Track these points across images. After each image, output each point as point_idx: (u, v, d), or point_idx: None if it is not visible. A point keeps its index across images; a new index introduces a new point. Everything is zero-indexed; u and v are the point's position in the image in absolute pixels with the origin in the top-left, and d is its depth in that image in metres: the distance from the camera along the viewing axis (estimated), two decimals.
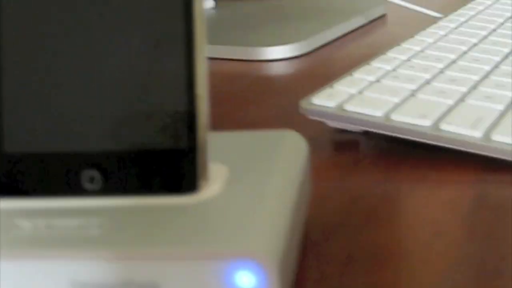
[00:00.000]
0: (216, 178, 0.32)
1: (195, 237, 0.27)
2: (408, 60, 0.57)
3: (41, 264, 0.27)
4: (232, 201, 0.30)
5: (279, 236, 0.28)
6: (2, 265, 0.27)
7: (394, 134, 0.46)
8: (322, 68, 0.68)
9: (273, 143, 0.36)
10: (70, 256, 0.27)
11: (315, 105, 0.48)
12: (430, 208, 0.38)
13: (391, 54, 0.58)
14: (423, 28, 0.66)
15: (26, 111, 0.32)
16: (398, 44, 0.61)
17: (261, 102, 0.58)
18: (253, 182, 0.32)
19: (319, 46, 0.76)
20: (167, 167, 0.31)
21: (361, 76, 0.52)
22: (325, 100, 0.48)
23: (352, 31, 0.82)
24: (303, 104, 0.48)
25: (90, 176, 0.32)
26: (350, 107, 0.47)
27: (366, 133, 0.49)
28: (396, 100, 0.48)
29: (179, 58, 0.31)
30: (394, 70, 0.54)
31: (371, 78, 0.52)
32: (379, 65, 0.55)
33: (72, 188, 0.32)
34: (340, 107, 0.47)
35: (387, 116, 0.46)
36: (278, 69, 0.68)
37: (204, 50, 0.32)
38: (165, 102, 0.31)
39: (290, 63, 0.70)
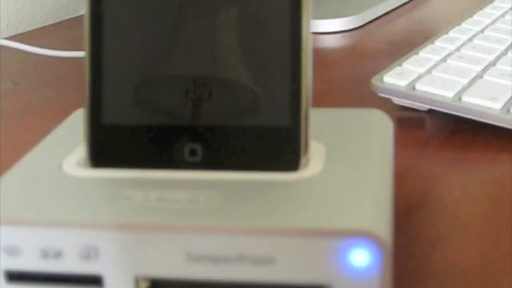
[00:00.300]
0: (315, 156, 0.32)
1: (309, 213, 0.28)
2: (470, 40, 0.57)
3: (158, 235, 0.28)
4: (336, 178, 0.31)
5: (387, 214, 0.28)
6: (117, 234, 0.28)
7: (464, 115, 0.46)
8: (374, 43, 0.68)
9: (363, 122, 0.36)
10: (187, 228, 0.28)
11: (386, 83, 0.48)
12: (505, 189, 0.39)
13: (453, 34, 0.58)
14: (479, 8, 0.66)
15: (131, 83, 0.32)
16: (459, 24, 0.61)
17: (314, 76, 0.59)
18: (352, 160, 0.32)
19: (369, 21, 0.76)
20: (270, 143, 0.32)
21: (427, 55, 0.53)
22: (395, 78, 0.48)
23: (399, 6, 0.82)
24: (374, 81, 0.49)
25: (192, 149, 0.32)
26: (421, 87, 0.47)
27: (430, 112, 0.50)
28: (464, 81, 0.48)
29: (284, 32, 0.32)
30: (458, 50, 0.55)
31: (437, 57, 0.53)
32: (443, 44, 0.55)
33: (174, 161, 0.32)
34: (411, 86, 0.48)
35: (457, 97, 0.46)
36: (328, 43, 0.69)
37: (309, 27, 0.32)
38: (269, 79, 0.32)
39: (340, 37, 0.71)
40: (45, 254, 0.29)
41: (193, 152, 0.32)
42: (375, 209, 0.28)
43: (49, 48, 0.68)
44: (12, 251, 0.29)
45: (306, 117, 0.31)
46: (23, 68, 0.67)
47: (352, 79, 0.57)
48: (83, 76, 0.59)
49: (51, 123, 0.52)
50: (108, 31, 0.32)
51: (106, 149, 0.32)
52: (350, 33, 0.72)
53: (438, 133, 0.47)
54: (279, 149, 0.31)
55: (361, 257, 0.27)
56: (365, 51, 0.65)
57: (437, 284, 0.31)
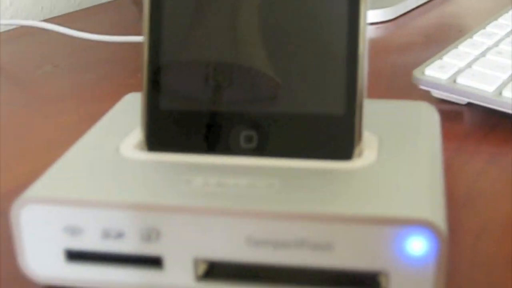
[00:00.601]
0: (368, 146, 0.33)
1: (367, 201, 0.29)
2: (508, 36, 0.57)
3: (218, 219, 0.28)
4: (390, 168, 0.31)
5: (441, 204, 0.29)
6: (179, 217, 0.29)
7: (503, 110, 0.47)
8: (408, 35, 0.69)
9: (412, 114, 0.37)
10: (247, 213, 0.28)
11: (427, 76, 0.49)
12: None
13: (490, 28, 0.59)
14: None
15: (189, 70, 0.33)
16: (495, 19, 0.61)
17: None
18: (404, 151, 0.33)
19: (402, 14, 0.77)
20: (324, 132, 0.32)
21: (467, 49, 0.53)
22: (436, 71, 0.49)
23: (431, 0, 0.82)
24: (416, 73, 0.49)
25: (247, 136, 0.33)
26: (462, 80, 0.48)
27: (468, 106, 0.50)
28: (504, 76, 0.49)
29: (341, 21, 0.32)
30: (496, 45, 0.55)
31: (476, 52, 0.53)
32: (481, 39, 0.56)
33: (230, 147, 0.33)
34: (452, 79, 0.48)
35: (498, 91, 0.47)
36: None
37: (366, 16, 0.32)
38: (325, 68, 0.32)
39: (374, 29, 0.71)
40: (106, 235, 0.29)
41: (248, 139, 0.33)
42: (431, 199, 0.29)
43: (86, 31, 0.68)
44: (74, 231, 0.30)
45: (361, 107, 0.32)
46: (62, 51, 0.68)
47: (390, 70, 0.58)
48: (128, 61, 0.60)
49: (94, 106, 0.53)
50: (167, 17, 0.33)
51: (163, 133, 0.33)
52: (384, 25, 0.72)
53: (477, 127, 0.47)
54: (333, 137, 0.32)
55: (418, 245, 0.27)
56: (400, 44, 0.66)
57: (482, 274, 0.32)
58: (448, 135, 0.46)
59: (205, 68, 0.33)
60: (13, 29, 0.77)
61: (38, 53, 0.68)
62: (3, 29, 0.78)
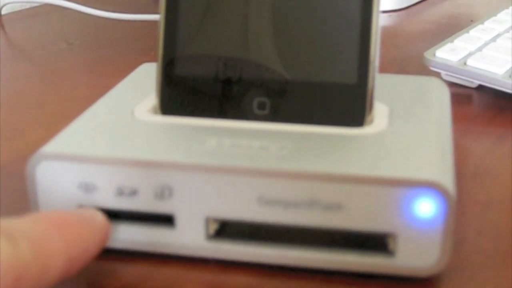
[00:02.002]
0: (379, 115, 0.34)
1: (377, 164, 0.29)
2: None
3: (231, 178, 0.29)
4: (401, 134, 0.32)
5: (450, 169, 0.29)
6: (192, 176, 0.29)
7: None
8: (420, 23, 0.69)
9: (422, 87, 0.38)
10: (260, 172, 0.29)
11: (438, 57, 0.49)
12: None
13: (501, 16, 0.59)
14: None
15: (204, 37, 0.34)
16: (507, 7, 0.62)
17: None
18: (414, 120, 0.33)
19: (414, 3, 0.77)
20: (337, 99, 0.33)
21: (478, 34, 0.54)
22: (447, 54, 0.49)
23: None
24: (427, 55, 0.50)
25: (260, 102, 0.33)
26: (472, 63, 0.48)
27: (478, 89, 0.51)
28: None
29: None
30: (507, 31, 0.55)
31: (487, 37, 0.53)
32: (492, 25, 0.56)
33: (243, 113, 0.33)
34: (462, 62, 0.49)
35: (508, 74, 0.47)
36: None
37: None
38: (339, 38, 0.33)
39: (387, 16, 0.72)
40: (120, 192, 0.30)
41: (261, 105, 0.33)
42: (441, 163, 0.29)
43: (102, 9, 0.69)
44: (88, 188, 0.30)
45: (373, 76, 0.32)
46: (76, 29, 0.69)
47: (401, 56, 0.58)
48: (143, 39, 0.61)
49: (108, 81, 0.54)
50: None
51: (177, 98, 0.34)
52: (396, 13, 0.73)
53: (487, 109, 0.48)
54: (345, 105, 0.32)
55: (427, 207, 0.28)
56: (412, 31, 0.66)
57: (489, 242, 0.32)
58: (457, 117, 0.46)
59: (219, 36, 0.33)
60: (29, 8, 0.77)
61: (53, 30, 0.69)
62: (20, 7, 0.79)
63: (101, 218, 0.29)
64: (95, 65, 0.58)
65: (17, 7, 0.78)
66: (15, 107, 0.50)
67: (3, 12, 0.75)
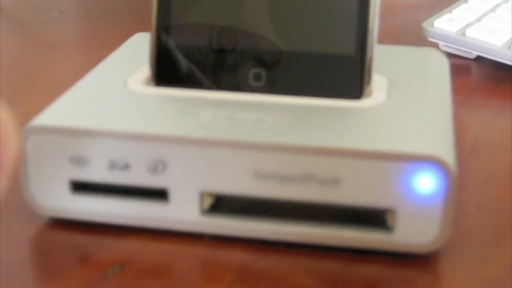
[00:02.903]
0: (377, 87, 0.33)
1: (375, 138, 0.28)
2: None
3: (226, 151, 0.28)
4: (400, 107, 0.31)
5: (451, 143, 0.29)
6: (186, 149, 0.29)
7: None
8: None
9: (421, 58, 0.37)
10: (256, 145, 0.28)
11: (436, 28, 0.48)
12: None
13: None
14: None
15: (199, 7, 0.33)
16: None
17: None
18: (414, 92, 0.33)
19: None
20: (335, 71, 0.32)
21: (477, 4, 0.53)
22: (446, 24, 0.48)
23: None
24: (425, 25, 0.49)
25: (256, 73, 0.33)
26: (471, 33, 0.48)
27: (476, 60, 0.50)
28: None
29: None
30: (505, 1, 0.55)
31: (486, 7, 0.53)
32: None
33: (238, 84, 0.33)
34: (461, 32, 0.48)
35: (508, 45, 0.47)
36: None
37: None
38: (337, 8, 0.32)
39: None
40: (112, 166, 0.29)
41: (257, 77, 0.32)
42: (441, 138, 0.29)
43: None
44: (80, 161, 0.29)
45: (372, 48, 0.32)
46: None
47: (398, 27, 0.58)
48: (135, 9, 0.60)
49: (100, 51, 0.53)
50: None
51: (171, 69, 0.33)
52: None
53: (485, 81, 0.47)
54: (343, 77, 0.32)
55: (427, 182, 0.27)
56: (409, 2, 0.65)
57: (488, 217, 0.32)
58: (456, 89, 0.45)
59: (214, 5, 0.32)
60: None
61: None
62: None
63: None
64: (87, 34, 0.57)
65: None
66: (6, 77, 0.49)
67: None
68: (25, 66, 0.51)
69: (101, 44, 0.55)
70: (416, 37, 0.54)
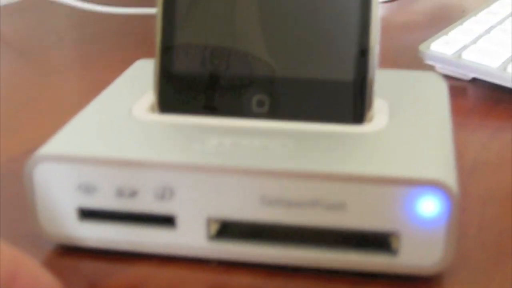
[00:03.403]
0: (379, 111, 0.33)
1: (379, 162, 0.29)
2: (511, 14, 0.58)
3: (233, 178, 0.29)
4: (401, 132, 0.32)
5: (453, 166, 0.29)
6: (193, 176, 0.29)
7: (508, 85, 0.47)
8: (411, 15, 0.70)
9: (421, 82, 0.38)
10: (262, 172, 0.29)
11: (433, 50, 0.49)
12: None
13: (495, 7, 0.59)
14: None
15: (201, 35, 0.34)
16: None
17: None
18: (414, 116, 0.33)
19: None
20: (336, 96, 0.33)
21: (472, 26, 0.54)
22: (442, 46, 0.49)
23: None
24: (422, 48, 0.49)
25: (259, 100, 0.33)
26: (467, 56, 0.48)
27: (473, 82, 0.51)
28: (508, 53, 0.49)
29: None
30: (500, 23, 0.55)
31: (481, 29, 0.54)
32: (486, 17, 0.56)
33: (242, 110, 0.33)
34: (457, 54, 0.49)
35: (503, 67, 0.47)
36: None
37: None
38: (338, 34, 0.32)
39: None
40: (120, 193, 0.30)
41: (260, 103, 0.33)
42: (443, 161, 0.29)
43: (90, 2, 0.69)
44: (87, 189, 0.30)
45: (373, 73, 0.32)
46: (65, 23, 0.68)
47: (394, 48, 0.58)
48: (134, 33, 0.61)
49: (100, 75, 0.53)
50: None
51: (175, 96, 0.33)
52: (386, 5, 0.72)
53: (482, 103, 0.48)
54: (345, 102, 0.32)
55: (430, 206, 0.28)
56: (404, 23, 0.66)
57: (490, 237, 0.32)
58: (453, 110, 0.46)
59: (217, 34, 0.33)
60: (17, 1, 0.77)
61: (42, 25, 0.69)
62: (7, 1, 0.78)
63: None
64: (86, 59, 0.58)
65: (5, 1, 0.78)
66: (8, 104, 0.49)
67: None
68: (26, 91, 0.51)
69: (100, 68, 0.56)
70: (412, 58, 0.55)
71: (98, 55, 0.59)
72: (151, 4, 0.66)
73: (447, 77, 0.51)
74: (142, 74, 0.38)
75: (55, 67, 0.56)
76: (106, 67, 0.56)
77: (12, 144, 0.42)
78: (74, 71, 0.55)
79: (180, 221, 0.30)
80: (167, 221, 0.30)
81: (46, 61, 0.58)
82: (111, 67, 0.56)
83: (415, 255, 0.28)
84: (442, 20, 0.67)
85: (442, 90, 0.37)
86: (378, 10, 0.32)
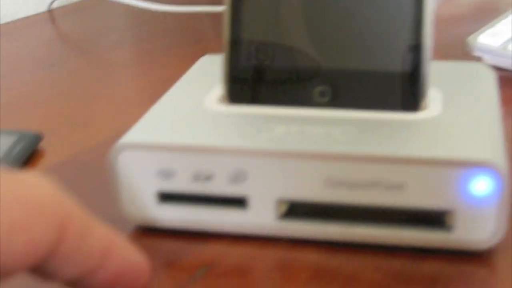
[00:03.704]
0: (432, 100, 0.36)
1: (436, 146, 0.31)
2: None
3: (300, 162, 0.31)
4: (455, 118, 0.34)
5: (503, 149, 0.32)
6: (265, 160, 0.32)
7: None
8: (457, 7, 0.71)
9: (471, 73, 0.40)
10: (328, 156, 0.31)
11: (480, 42, 0.51)
12: None
13: None
14: None
15: (269, 28, 0.37)
16: None
17: None
18: (466, 104, 0.36)
19: None
20: (393, 86, 0.35)
21: None
22: (489, 38, 0.51)
23: None
24: (470, 40, 0.52)
25: (321, 91, 0.36)
26: None
27: None
28: None
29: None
30: None
31: None
32: None
33: (305, 101, 0.36)
34: (504, 46, 0.51)
35: None
36: None
37: None
38: (394, 30, 0.35)
39: None
40: (196, 177, 0.32)
41: (322, 94, 0.35)
42: (494, 144, 0.31)
43: (150, 1, 0.71)
44: (166, 174, 0.33)
45: (427, 63, 0.35)
46: (123, 22, 0.71)
47: (441, 41, 0.60)
48: (192, 31, 0.63)
49: (162, 72, 0.56)
50: None
51: (243, 88, 0.36)
52: None
53: None
54: (401, 92, 0.35)
55: (483, 185, 0.30)
56: (451, 15, 0.68)
57: None
58: (501, 99, 0.48)
59: (282, 27, 0.36)
60: (77, 2, 0.80)
61: (103, 24, 0.72)
62: (67, 1, 0.81)
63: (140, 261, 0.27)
64: (147, 57, 0.61)
65: (65, 1, 0.81)
66: (75, 101, 0.53)
67: (53, 6, 0.77)
68: (91, 89, 0.55)
69: (161, 65, 0.59)
70: (460, 50, 0.57)
71: (160, 52, 0.62)
72: (202, 2, 0.68)
73: (495, 68, 0.53)
74: (209, 69, 0.41)
75: (117, 64, 0.59)
76: (166, 64, 0.58)
77: (85, 136, 0.45)
78: (136, 69, 0.58)
79: (252, 202, 0.32)
80: (239, 202, 0.33)
81: (108, 59, 0.61)
82: (169, 63, 0.58)
83: (468, 231, 0.31)
84: (488, 12, 0.68)
85: (490, 80, 0.39)
86: (432, 4, 0.34)
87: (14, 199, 0.22)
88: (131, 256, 0.26)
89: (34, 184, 0.23)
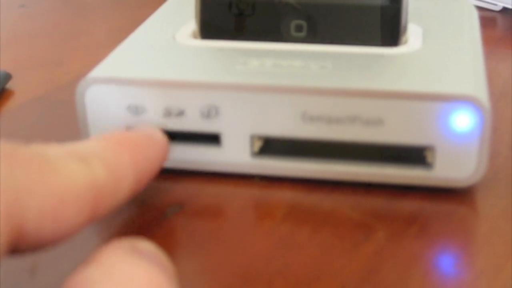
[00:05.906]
0: (412, 35, 0.35)
1: (415, 80, 0.30)
2: None
3: (275, 96, 0.30)
4: (435, 53, 0.33)
5: (484, 85, 0.31)
6: (237, 95, 0.31)
7: None
8: None
9: (452, 8, 0.39)
10: (303, 89, 0.30)
11: None
12: None
13: None
14: None
15: None
16: None
17: None
18: (447, 40, 0.35)
19: None
20: (372, 20, 0.34)
21: None
22: None
23: None
24: None
25: (297, 25, 0.34)
26: None
27: (502, 12, 0.51)
28: None
29: None
30: None
31: None
32: None
33: (280, 35, 0.35)
34: None
35: None
36: None
37: None
38: None
39: None
40: (168, 113, 0.31)
41: (299, 28, 0.34)
42: (475, 80, 0.30)
43: None
44: (136, 110, 0.31)
45: None
46: None
47: None
48: None
49: (138, 12, 0.55)
50: None
51: (216, 22, 0.35)
52: None
53: (511, 32, 0.48)
54: (380, 26, 0.34)
55: (464, 120, 0.29)
56: None
57: None
58: (482, 40, 0.47)
59: None
60: None
61: None
62: None
63: (161, 135, 0.30)
64: None
65: None
66: (49, 39, 0.51)
67: None
68: (66, 28, 0.53)
69: (137, 5, 0.57)
70: None
71: None
72: None
73: (478, 8, 0.51)
74: (182, 5, 0.39)
75: (92, 4, 0.58)
76: (141, 3, 0.57)
77: (57, 75, 0.44)
78: (112, 9, 0.57)
79: (225, 138, 0.31)
80: (212, 139, 0.31)
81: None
82: (145, 3, 0.57)
83: (449, 168, 0.30)
84: None
85: (472, 16, 0.38)
86: None
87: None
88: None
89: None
